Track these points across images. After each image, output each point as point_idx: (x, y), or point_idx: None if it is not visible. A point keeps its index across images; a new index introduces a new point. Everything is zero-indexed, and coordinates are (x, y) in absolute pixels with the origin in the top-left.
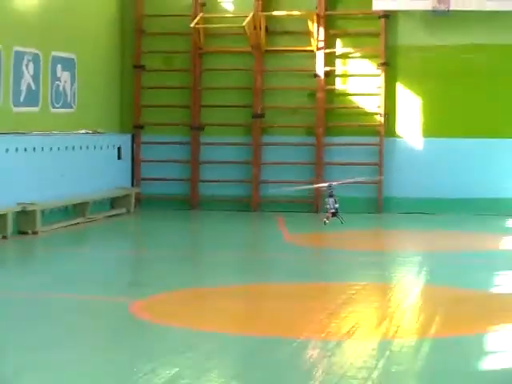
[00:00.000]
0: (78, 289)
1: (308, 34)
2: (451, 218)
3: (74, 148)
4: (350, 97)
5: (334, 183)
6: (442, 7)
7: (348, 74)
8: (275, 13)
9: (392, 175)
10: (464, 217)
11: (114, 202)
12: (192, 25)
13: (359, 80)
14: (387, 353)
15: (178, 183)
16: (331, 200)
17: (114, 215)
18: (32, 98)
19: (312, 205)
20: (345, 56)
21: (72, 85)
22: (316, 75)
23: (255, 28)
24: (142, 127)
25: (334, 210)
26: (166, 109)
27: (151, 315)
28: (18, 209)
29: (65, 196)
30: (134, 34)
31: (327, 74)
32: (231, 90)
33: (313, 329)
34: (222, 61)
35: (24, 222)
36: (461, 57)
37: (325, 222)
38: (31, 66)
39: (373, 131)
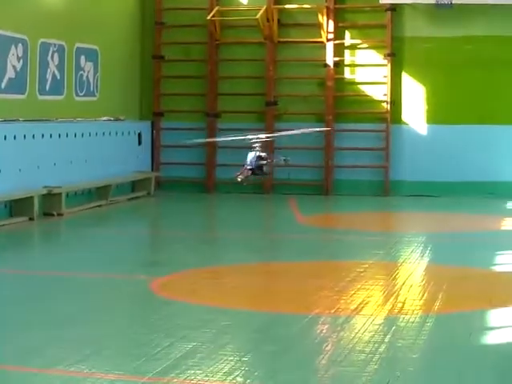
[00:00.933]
0: (101, 267)
1: (318, 26)
2: (454, 201)
3: (96, 134)
4: (358, 85)
5: (262, 135)
6: (445, 1)
7: (356, 63)
8: (287, 6)
9: (398, 160)
10: (467, 199)
11: (134, 186)
12: (209, 17)
13: (367, 70)
14: (393, 328)
15: (196, 167)
16: (251, 155)
17: (134, 198)
18: (57, 87)
19: (322, 187)
20: (353, 47)
21: (95, 74)
22: (326, 65)
23: (268, 20)
24: (161, 114)
25: (250, 167)
26: (184, 97)
27: (170, 292)
28: (44, 192)
29: (88, 179)
30: (153, 26)
31: (336, 64)
32: (246, 79)
33: (323, 305)
34: (236, 51)
35: (50, 204)
36: (463, 48)
37: (237, 179)
38: (56, 56)
39: (380, 118)
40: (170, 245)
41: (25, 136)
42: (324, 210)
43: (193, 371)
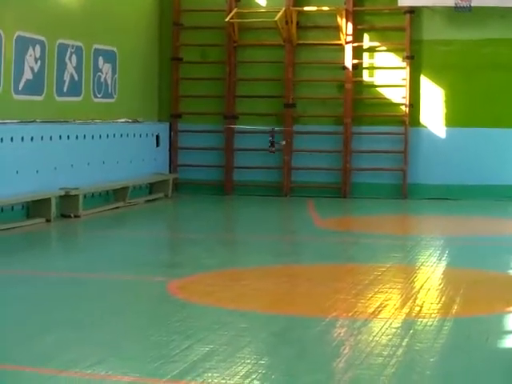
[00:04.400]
0: (118, 269)
1: (337, 28)
2: (473, 204)
3: (114, 136)
4: (376, 88)
5: None
6: (464, 4)
7: (375, 66)
8: (306, 8)
9: (416, 163)
10: (485, 202)
11: (152, 187)
12: (227, 19)
13: (385, 72)
14: (411, 331)
15: (213, 169)
16: None
17: (152, 200)
18: (75, 88)
19: (340, 190)
20: (372, 49)
21: (113, 76)
22: (344, 67)
23: (287, 23)
24: (179, 116)
25: None
26: (201, 99)
27: (188, 294)
28: (62, 193)
29: (106, 181)
30: (171, 27)
31: (355, 66)
32: (264, 82)
33: (341, 308)
34: (255, 53)
35: (67, 206)
36: (482, 50)
37: None
38: (74, 57)
39: (398, 121)
40: (187, 247)
41: (42, 137)
42: (342, 213)
43: (210, 374)
